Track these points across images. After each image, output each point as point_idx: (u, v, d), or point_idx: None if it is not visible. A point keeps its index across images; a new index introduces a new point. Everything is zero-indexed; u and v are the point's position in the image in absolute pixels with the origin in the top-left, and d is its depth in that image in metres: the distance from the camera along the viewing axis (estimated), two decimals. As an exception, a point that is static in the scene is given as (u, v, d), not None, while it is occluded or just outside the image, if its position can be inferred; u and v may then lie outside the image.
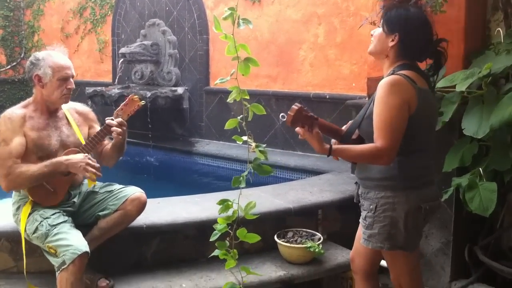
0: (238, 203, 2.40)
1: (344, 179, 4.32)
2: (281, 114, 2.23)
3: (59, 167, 2.67)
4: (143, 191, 2.94)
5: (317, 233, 3.47)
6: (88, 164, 2.66)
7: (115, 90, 6.42)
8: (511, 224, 3.43)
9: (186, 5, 6.51)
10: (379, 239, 2.28)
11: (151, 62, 6.79)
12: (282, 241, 3.35)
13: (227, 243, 2.47)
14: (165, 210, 3.36)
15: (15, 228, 2.87)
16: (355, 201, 2.52)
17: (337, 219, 3.88)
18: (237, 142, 2.42)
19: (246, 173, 2.31)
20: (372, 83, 4.08)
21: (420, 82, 2.21)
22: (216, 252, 2.43)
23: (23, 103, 2.82)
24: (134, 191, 2.91)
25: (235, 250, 2.48)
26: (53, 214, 2.71)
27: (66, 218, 2.74)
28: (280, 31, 5.60)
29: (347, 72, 5.07)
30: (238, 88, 2.48)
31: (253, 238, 2.42)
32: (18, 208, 2.80)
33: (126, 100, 2.82)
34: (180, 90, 6.44)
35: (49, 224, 2.64)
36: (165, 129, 6.74)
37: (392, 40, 2.23)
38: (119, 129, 2.75)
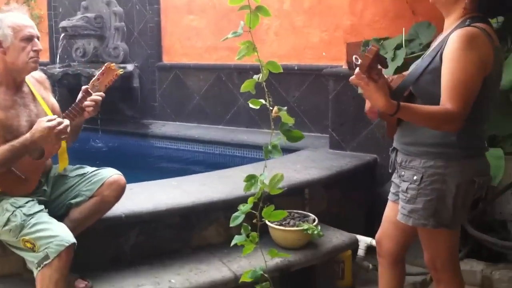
0: (263, 177, 2.05)
1: (325, 155, 4.04)
2: (354, 56, 1.81)
3: (26, 147, 2.24)
4: (120, 173, 2.54)
5: (310, 214, 3.17)
6: (59, 128, 2.23)
7: (57, 69, 5.82)
8: (494, 196, 3.28)
9: (133, -28, 5.96)
10: (423, 215, 1.99)
11: (95, 37, 6.18)
12: (275, 225, 3.01)
13: (248, 226, 2.12)
14: (142, 196, 2.94)
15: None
16: (390, 170, 2.22)
17: (323, 198, 3.60)
18: (252, 104, 2.07)
19: (278, 140, 1.96)
20: (352, 49, 3.80)
21: (495, 39, 1.92)
22: (239, 239, 2.07)
23: None
24: (111, 173, 2.50)
25: (255, 234, 2.14)
26: (27, 203, 2.28)
27: (42, 207, 2.32)
28: (242, -1, 5.19)
29: (317, 40, 4.75)
30: (250, 42, 2.12)
31: (280, 214, 2.09)
32: (-23, 199, 2.32)
33: (103, 68, 2.42)
34: (129, 67, 5.91)
35: (24, 214, 2.22)
36: (114, 111, 6.14)
37: None
38: (92, 107, 2.36)
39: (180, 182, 3.27)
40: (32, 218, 2.22)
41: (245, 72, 5.23)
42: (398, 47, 3.33)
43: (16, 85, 2.38)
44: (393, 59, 3.27)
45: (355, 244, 3.27)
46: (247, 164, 4.14)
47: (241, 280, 2.20)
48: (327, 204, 3.62)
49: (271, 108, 2.03)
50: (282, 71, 2.07)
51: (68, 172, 2.53)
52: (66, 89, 5.84)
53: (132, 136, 5.81)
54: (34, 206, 2.28)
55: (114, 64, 2.44)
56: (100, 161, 5.35)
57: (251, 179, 2.06)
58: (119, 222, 2.69)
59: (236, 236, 2.13)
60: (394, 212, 2.20)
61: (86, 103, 2.35)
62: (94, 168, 2.54)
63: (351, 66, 3.85)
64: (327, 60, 4.61)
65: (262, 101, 2.01)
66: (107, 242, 2.77)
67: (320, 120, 4.76)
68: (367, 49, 1.79)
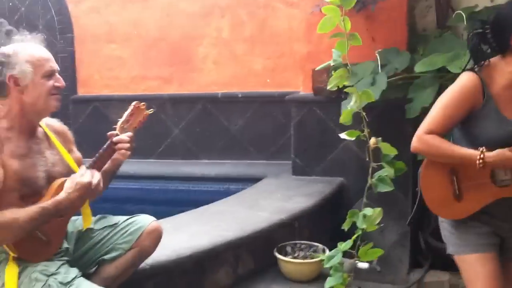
0: (362, 214, 1.93)
1: (294, 182, 3.99)
2: None
3: (60, 210, 1.87)
4: (156, 219, 2.25)
5: (318, 244, 3.09)
6: (95, 183, 1.92)
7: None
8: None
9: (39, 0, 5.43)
10: None
11: (-9, 69, 5.49)
12: (289, 258, 2.90)
13: (342, 266, 1.98)
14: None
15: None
16: None
17: (308, 226, 3.54)
18: (348, 136, 1.96)
19: (386, 172, 1.86)
20: (318, 75, 3.82)
21: None
22: (335, 280, 1.92)
23: None
24: (149, 220, 2.21)
25: (346, 275, 2.02)
26: (59, 268, 1.91)
27: (77, 270, 1.95)
28: (172, 26, 4.98)
29: (260, 67, 4.71)
30: (345, 71, 2.02)
31: (376, 253, 1.99)
32: (-8, 269, 1.88)
33: (131, 109, 2.15)
34: (36, 101, 5.32)
35: (60, 283, 1.85)
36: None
37: None
38: (126, 147, 2.08)
39: (172, 223, 3.00)
40: (70, 286, 1.86)
41: (180, 102, 5.03)
42: (375, 72, 3.41)
43: (30, 130, 2.00)
44: (372, 84, 3.34)
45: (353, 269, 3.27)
46: (198, 197, 3.96)
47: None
48: (309, 233, 3.57)
49: (364, 139, 1.95)
50: (374, 100, 2.01)
51: (93, 224, 2.18)
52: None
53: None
54: (69, 272, 1.92)
55: (143, 103, 2.19)
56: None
57: (353, 215, 1.94)
58: (142, 275, 2.37)
59: (330, 278, 1.99)
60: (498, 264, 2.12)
61: (120, 140, 2.08)
62: (125, 217, 2.22)
63: (317, 91, 3.87)
64: (272, 87, 4.59)
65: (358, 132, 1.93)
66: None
67: (266, 147, 4.73)
68: None
